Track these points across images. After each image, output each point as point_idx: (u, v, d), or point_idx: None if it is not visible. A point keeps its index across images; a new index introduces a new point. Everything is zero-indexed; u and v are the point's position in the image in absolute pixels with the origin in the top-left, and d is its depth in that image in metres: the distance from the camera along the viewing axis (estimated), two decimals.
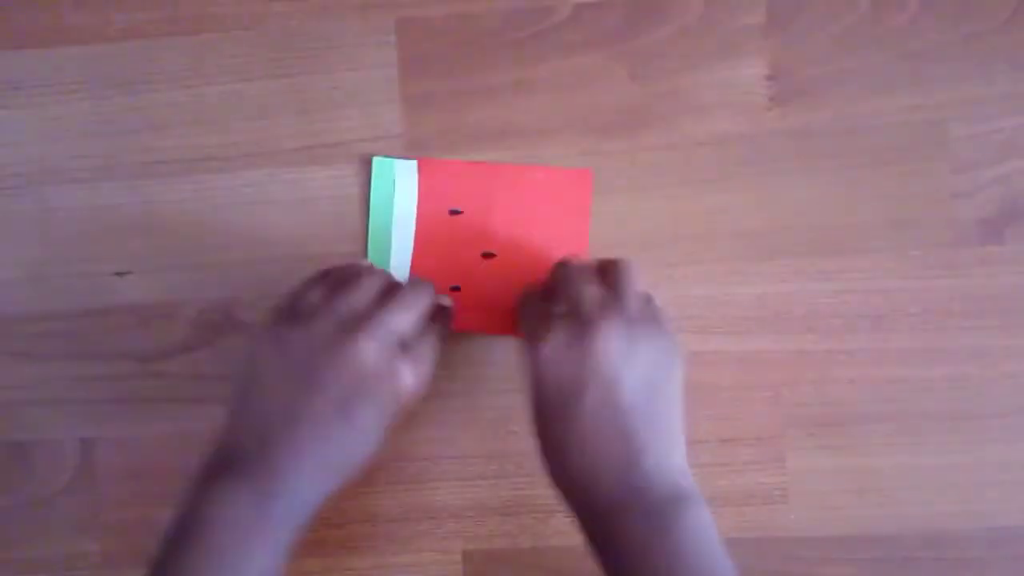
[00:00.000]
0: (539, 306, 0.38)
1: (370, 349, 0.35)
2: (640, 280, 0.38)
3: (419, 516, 0.44)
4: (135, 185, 0.45)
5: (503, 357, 0.44)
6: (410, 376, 0.36)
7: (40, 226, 0.45)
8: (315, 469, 0.35)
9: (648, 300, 0.38)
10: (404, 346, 0.37)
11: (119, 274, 0.45)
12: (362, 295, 0.37)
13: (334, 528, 0.45)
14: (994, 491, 0.43)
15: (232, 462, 0.35)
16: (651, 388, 0.35)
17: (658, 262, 0.44)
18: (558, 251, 0.43)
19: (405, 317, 0.37)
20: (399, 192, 0.43)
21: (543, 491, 0.44)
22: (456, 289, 0.43)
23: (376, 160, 0.43)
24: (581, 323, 0.35)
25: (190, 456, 0.45)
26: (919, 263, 0.43)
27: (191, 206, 0.45)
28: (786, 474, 0.44)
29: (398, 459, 0.45)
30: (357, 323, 0.36)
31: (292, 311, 0.37)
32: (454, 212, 0.44)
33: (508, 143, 0.44)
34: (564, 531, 0.44)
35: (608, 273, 0.38)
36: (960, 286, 0.43)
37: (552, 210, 0.43)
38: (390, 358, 0.36)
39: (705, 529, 0.34)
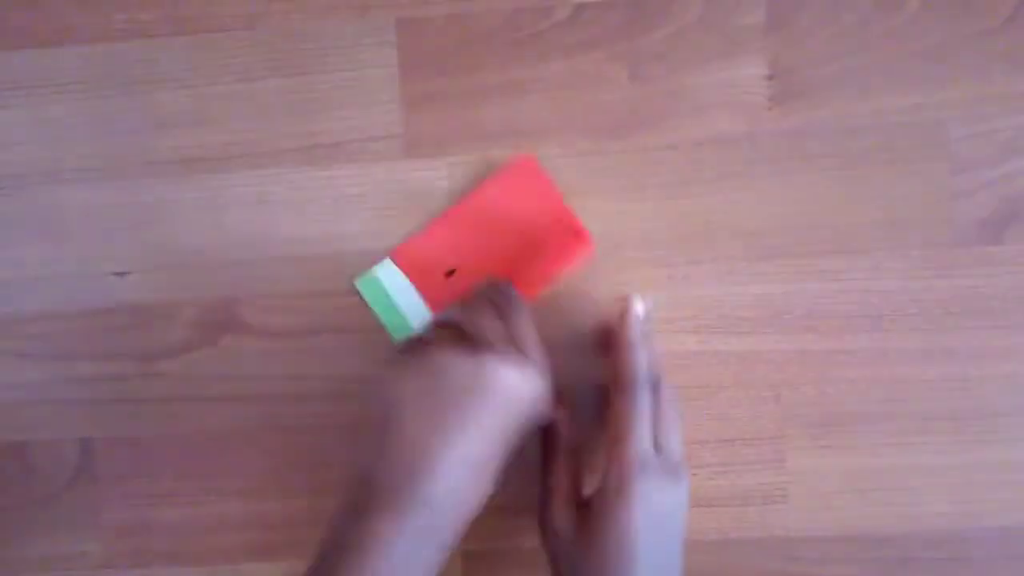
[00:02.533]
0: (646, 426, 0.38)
1: (496, 362, 0.35)
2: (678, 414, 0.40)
3: None
4: (135, 185, 0.45)
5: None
6: (535, 380, 0.37)
7: (40, 226, 0.45)
8: (465, 494, 0.36)
9: (671, 429, 0.39)
10: (519, 352, 0.37)
11: (119, 274, 0.45)
12: (479, 312, 0.38)
13: None
14: (994, 491, 0.43)
15: (383, 497, 0.35)
16: (664, 546, 0.37)
17: (658, 262, 0.44)
18: (552, 240, 0.43)
19: (519, 323, 0.38)
20: (394, 293, 0.44)
21: None
22: None
23: (360, 281, 0.44)
24: (673, 469, 0.37)
25: (190, 456, 0.45)
26: (919, 263, 0.43)
27: (191, 206, 0.45)
28: (786, 474, 0.44)
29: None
30: (480, 340, 0.36)
31: (418, 340, 0.38)
32: (450, 273, 0.44)
33: (508, 143, 0.44)
34: None
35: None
36: (960, 286, 0.43)
37: (524, 210, 0.43)
38: (514, 366, 0.36)
39: None
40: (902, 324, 0.43)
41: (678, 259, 0.44)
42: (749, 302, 0.44)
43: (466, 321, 0.37)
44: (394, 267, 0.44)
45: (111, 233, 0.45)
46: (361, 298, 0.44)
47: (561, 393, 0.40)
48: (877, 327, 0.43)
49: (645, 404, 0.38)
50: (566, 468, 0.40)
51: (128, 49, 0.45)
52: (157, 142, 0.45)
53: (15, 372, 0.45)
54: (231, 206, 0.45)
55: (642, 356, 0.39)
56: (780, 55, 0.43)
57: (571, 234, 0.43)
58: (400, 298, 0.44)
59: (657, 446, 0.37)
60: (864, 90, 0.43)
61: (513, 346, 0.37)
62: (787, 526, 0.44)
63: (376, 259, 0.44)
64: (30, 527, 0.45)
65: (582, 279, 0.44)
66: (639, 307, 0.40)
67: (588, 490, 0.38)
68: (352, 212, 0.44)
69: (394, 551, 0.34)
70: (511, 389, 0.36)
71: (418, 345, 0.37)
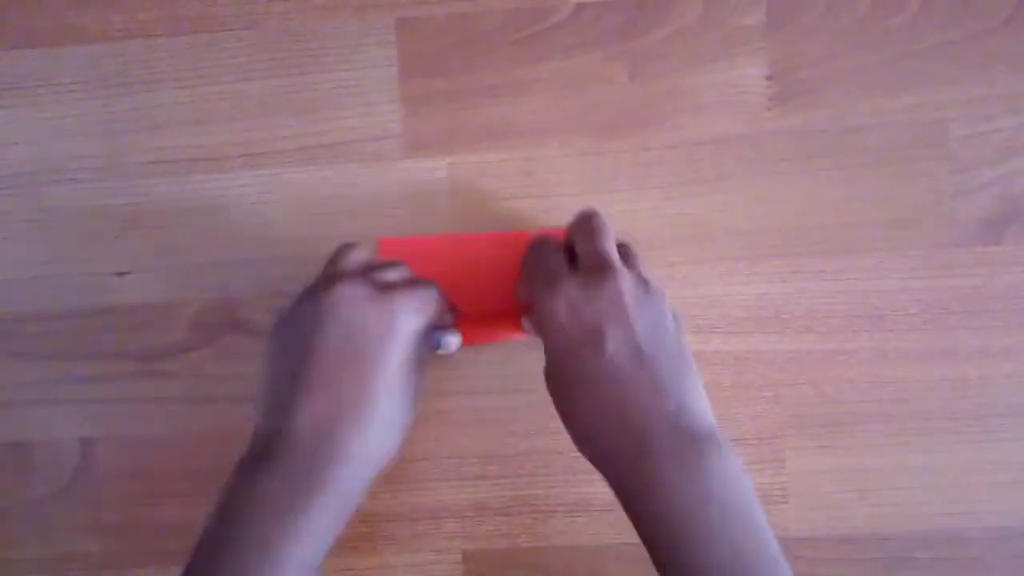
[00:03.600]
0: (548, 260, 0.38)
1: (358, 290, 0.35)
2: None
3: (419, 516, 0.44)
4: (135, 185, 0.45)
5: (504, 357, 0.44)
6: (410, 316, 0.36)
7: (40, 226, 0.45)
8: (366, 428, 0.35)
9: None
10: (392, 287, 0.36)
11: (119, 274, 0.45)
12: (357, 256, 0.38)
13: None
14: (994, 491, 0.43)
15: (276, 454, 0.34)
16: (666, 337, 0.35)
17: (658, 262, 0.44)
18: (513, 315, 0.43)
19: (398, 270, 0.38)
20: None
21: (543, 491, 0.44)
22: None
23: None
24: (595, 265, 0.36)
25: (190, 456, 0.45)
26: (919, 263, 0.43)
27: (191, 206, 0.45)
28: (786, 474, 0.44)
29: (398, 459, 0.44)
30: (347, 274, 0.36)
31: (311, 290, 0.37)
32: None
33: (508, 143, 0.44)
34: (564, 531, 0.44)
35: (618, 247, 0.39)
36: (960, 286, 0.43)
37: (513, 272, 0.43)
38: (383, 301, 0.35)
39: (734, 468, 0.34)
40: (902, 324, 0.43)
41: (678, 259, 0.44)
42: (749, 302, 0.44)
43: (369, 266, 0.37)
44: (373, 252, 0.43)
45: (111, 233, 0.45)
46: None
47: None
48: (877, 327, 0.43)
49: (539, 243, 0.39)
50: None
51: (128, 49, 0.45)
52: (157, 142, 0.45)
53: (15, 372, 0.45)
54: (231, 206, 0.45)
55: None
56: (780, 55, 0.43)
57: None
58: None
59: (626, 251, 0.38)
60: (864, 90, 0.43)
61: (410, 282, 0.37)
62: (787, 526, 0.44)
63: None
64: (30, 527, 0.45)
65: None
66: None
67: None
68: (352, 212, 0.44)
69: (307, 516, 0.33)
70: (417, 327, 0.36)
71: (326, 284, 0.36)
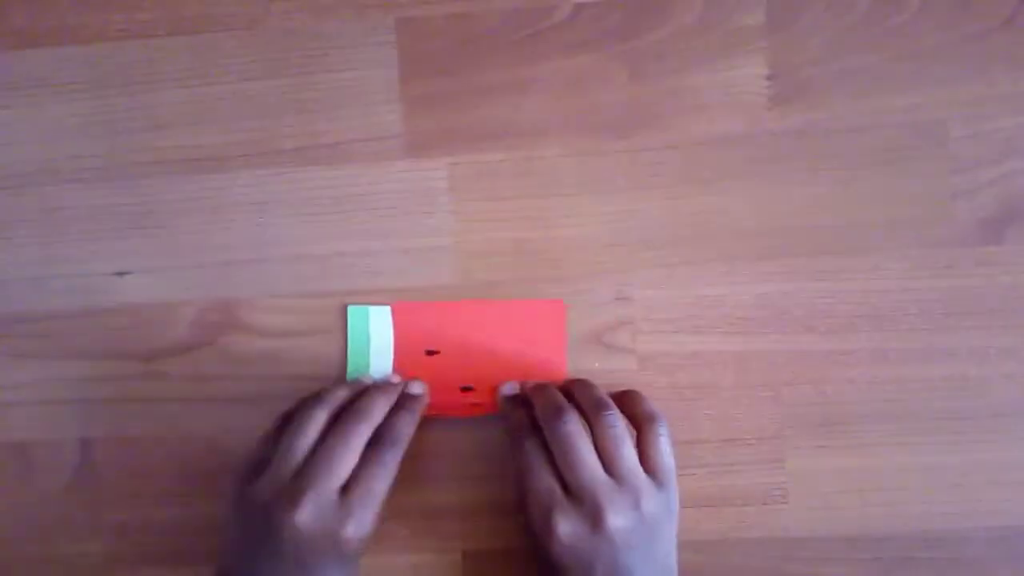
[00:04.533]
0: (543, 478, 0.39)
1: (305, 518, 0.36)
2: (648, 405, 0.40)
3: (419, 516, 0.44)
4: (135, 185, 0.45)
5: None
6: (352, 529, 0.37)
7: (40, 226, 0.45)
8: None
9: (655, 437, 0.39)
10: (345, 494, 0.37)
11: (119, 274, 0.45)
12: (303, 443, 0.38)
13: None
14: (994, 491, 0.43)
15: None
16: (652, 554, 0.38)
17: (658, 262, 0.44)
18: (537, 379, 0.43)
19: (345, 460, 0.38)
20: (374, 338, 0.44)
21: None
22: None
23: (351, 309, 0.44)
24: (590, 509, 0.37)
25: (190, 456, 0.45)
26: (919, 263, 0.43)
27: (191, 206, 0.45)
28: (786, 474, 0.44)
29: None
30: (293, 491, 0.37)
31: (249, 466, 0.39)
32: (431, 352, 0.44)
33: (508, 143, 0.44)
34: None
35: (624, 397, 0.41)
36: (960, 286, 0.43)
37: (528, 341, 0.43)
38: (327, 519, 0.37)
39: None
40: (902, 324, 0.43)
41: (678, 259, 0.44)
42: (749, 302, 0.44)
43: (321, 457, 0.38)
44: (388, 317, 0.44)
45: (111, 233, 0.45)
46: (345, 321, 0.44)
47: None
48: (877, 327, 0.43)
49: (527, 449, 0.39)
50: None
51: (128, 49, 0.45)
52: (157, 142, 0.45)
53: (15, 372, 0.45)
54: (231, 206, 0.45)
55: (514, 409, 0.41)
56: (780, 55, 0.43)
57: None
58: (376, 345, 0.44)
59: (609, 472, 0.38)
60: (864, 90, 0.43)
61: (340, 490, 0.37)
62: (787, 526, 0.44)
63: (374, 261, 0.44)
64: (30, 527, 0.45)
65: (583, 280, 0.44)
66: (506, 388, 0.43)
67: None
68: (352, 212, 0.44)
69: None
70: (322, 538, 0.37)
71: (289, 500, 0.37)
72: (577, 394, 0.40)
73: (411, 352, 0.43)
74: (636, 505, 0.37)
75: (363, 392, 0.41)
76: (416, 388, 0.43)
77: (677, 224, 0.44)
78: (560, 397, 0.40)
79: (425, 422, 0.43)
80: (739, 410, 0.44)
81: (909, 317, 0.43)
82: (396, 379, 0.43)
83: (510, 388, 0.43)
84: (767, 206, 0.44)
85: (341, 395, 0.40)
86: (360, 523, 0.37)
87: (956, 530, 0.43)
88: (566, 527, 0.37)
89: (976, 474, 0.43)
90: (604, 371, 0.44)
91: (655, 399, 0.43)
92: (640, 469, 0.38)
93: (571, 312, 0.44)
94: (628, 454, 0.38)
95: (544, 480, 0.38)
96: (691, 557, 0.43)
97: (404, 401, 0.41)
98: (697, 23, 0.43)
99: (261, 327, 0.44)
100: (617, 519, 0.37)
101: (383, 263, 0.44)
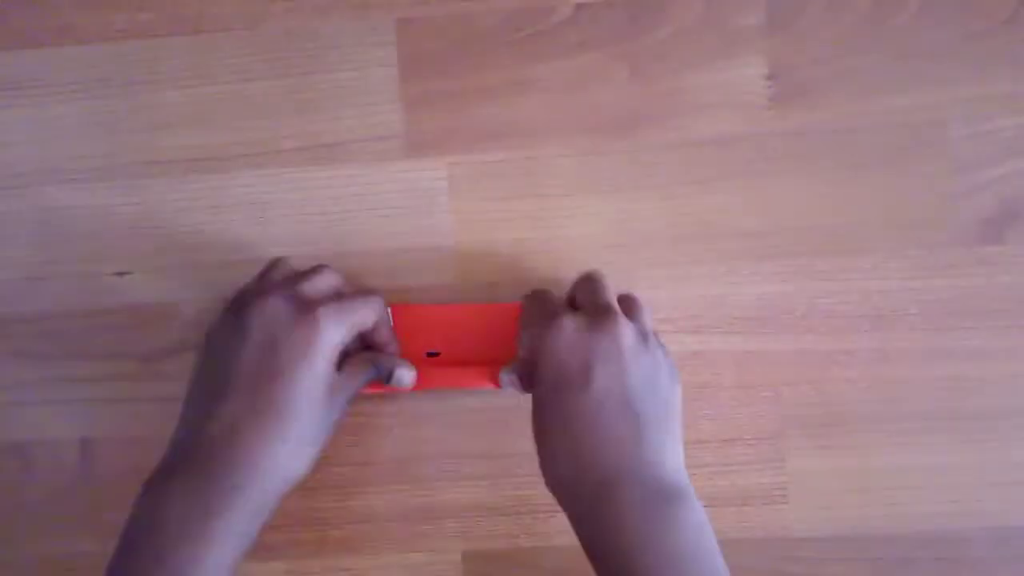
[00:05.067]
0: (549, 302, 0.39)
1: (272, 302, 0.36)
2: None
3: (419, 516, 0.44)
4: (135, 185, 0.45)
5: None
6: (331, 327, 0.36)
7: (40, 226, 0.45)
8: (276, 441, 0.35)
9: (655, 334, 0.39)
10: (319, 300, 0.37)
11: (119, 274, 0.45)
12: (278, 273, 0.39)
13: (334, 528, 0.45)
14: (994, 491, 0.43)
15: (188, 460, 0.35)
16: (656, 389, 0.36)
17: (658, 262, 0.44)
18: None
19: (326, 280, 0.38)
20: None
21: (543, 491, 0.44)
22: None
23: None
24: (597, 311, 0.36)
25: None
26: (919, 263, 0.43)
27: (191, 206, 0.45)
28: (786, 474, 0.44)
29: (398, 459, 0.45)
30: (262, 288, 0.37)
31: (236, 300, 0.38)
32: (431, 355, 0.43)
33: (508, 143, 0.44)
34: (564, 531, 0.44)
35: (622, 299, 0.39)
36: (960, 286, 0.43)
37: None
38: (304, 317, 0.36)
39: (702, 526, 0.34)
40: (902, 324, 0.43)
41: (678, 259, 0.44)
42: (749, 302, 0.44)
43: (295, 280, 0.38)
44: (388, 318, 0.43)
45: (111, 233, 0.45)
46: None
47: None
48: (877, 327, 0.43)
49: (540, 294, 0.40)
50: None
51: (128, 49, 0.45)
52: (157, 142, 0.45)
53: (15, 372, 0.45)
54: (231, 206, 0.45)
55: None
56: (780, 55, 0.43)
57: None
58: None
59: (632, 304, 0.38)
60: (864, 90, 0.43)
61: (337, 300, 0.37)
62: (787, 526, 0.44)
63: (374, 261, 0.44)
64: (30, 527, 0.45)
65: None
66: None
67: None
68: (352, 212, 0.44)
69: (218, 522, 0.33)
70: (339, 340, 0.36)
71: (250, 298, 0.37)
72: (578, 288, 0.40)
73: (411, 353, 0.43)
74: (644, 333, 0.37)
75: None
76: (405, 377, 0.41)
77: (677, 224, 0.44)
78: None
79: (425, 420, 0.43)
80: (739, 410, 0.44)
81: (909, 317, 0.43)
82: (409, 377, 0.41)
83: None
84: (767, 206, 0.44)
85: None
86: (337, 327, 0.36)
87: (956, 530, 0.43)
88: (571, 322, 0.36)
89: (976, 474, 0.43)
90: None
91: None
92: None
93: None
94: (647, 319, 0.38)
95: (554, 301, 0.39)
96: None
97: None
98: (697, 23, 0.43)
99: None
100: (624, 326, 0.36)
101: (383, 263, 0.44)
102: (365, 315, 0.39)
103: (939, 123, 0.43)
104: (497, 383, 0.40)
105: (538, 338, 0.37)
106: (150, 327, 0.45)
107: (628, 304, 0.39)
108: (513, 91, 0.44)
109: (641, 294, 0.43)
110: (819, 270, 0.43)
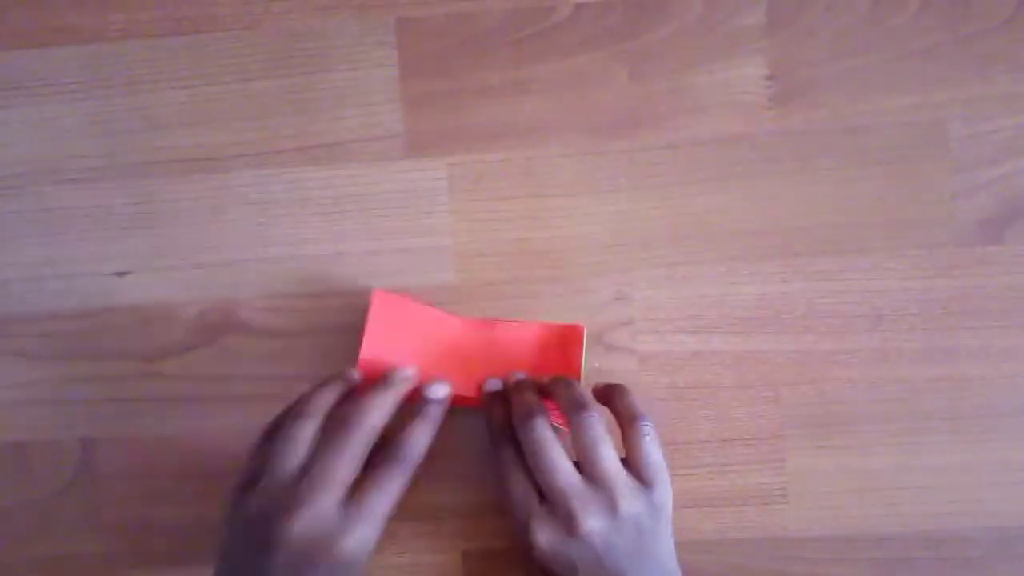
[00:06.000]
0: (520, 478, 0.39)
1: (300, 529, 0.35)
2: (635, 402, 0.40)
3: (419, 516, 0.44)
4: (135, 185, 0.45)
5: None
6: (351, 543, 0.35)
7: (40, 226, 0.45)
8: None
9: (637, 437, 0.39)
10: (348, 506, 0.36)
11: (119, 274, 0.45)
12: (293, 460, 0.37)
13: None
14: (994, 491, 0.43)
15: None
16: (639, 550, 0.37)
17: (658, 262, 0.44)
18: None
19: (341, 472, 0.36)
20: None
21: None
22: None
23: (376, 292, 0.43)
24: (565, 515, 0.37)
25: (190, 456, 0.45)
26: (919, 263, 0.43)
27: (191, 206, 0.45)
28: (786, 474, 0.44)
29: None
30: (288, 502, 0.35)
31: (241, 479, 0.38)
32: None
33: (508, 143, 0.44)
34: None
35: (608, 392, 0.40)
36: (960, 286, 0.43)
37: (544, 365, 0.43)
38: (325, 531, 0.35)
39: None
40: (902, 324, 0.43)
41: (678, 259, 0.44)
42: (749, 302, 0.44)
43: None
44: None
45: (111, 233, 0.45)
46: (345, 319, 0.44)
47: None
48: (877, 327, 0.43)
49: (505, 451, 0.39)
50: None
51: (128, 49, 0.45)
52: (157, 142, 0.45)
53: (15, 372, 0.45)
54: (231, 206, 0.45)
55: (494, 409, 0.41)
56: (780, 55, 0.43)
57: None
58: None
59: (587, 475, 0.38)
60: (864, 90, 0.43)
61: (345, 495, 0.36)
62: (787, 526, 0.44)
63: (374, 261, 0.44)
64: (30, 527, 0.45)
65: (583, 280, 0.44)
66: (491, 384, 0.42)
67: None
68: (352, 212, 0.44)
69: None
70: (365, 544, 0.36)
71: (290, 503, 0.36)
72: (556, 394, 0.40)
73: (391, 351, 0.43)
74: (613, 507, 0.37)
75: (360, 390, 0.39)
76: (439, 391, 0.41)
77: (677, 224, 0.44)
78: (533, 399, 0.39)
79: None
80: (739, 410, 0.44)
81: (909, 317, 0.43)
82: (410, 372, 0.41)
83: (493, 384, 0.42)
84: (767, 206, 0.44)
85: (329, 398, 0.39)
86: (361, 539, 0.36)
87: (956, 530, 0.43)
88: (543, 535, 0.37)
89: (976, 474, 0.43)
90: (604, 371, 0.44)
91: (655, 399, 0.43)
92: (621, 470, 0.38)
93: (571, 313, 0.44)
94: (607, 455, 0.38)
95: (519, 486, 0.38)
96: (691, 557, 0.42)
97: (425, 408, 0.40)
98: (697, 23, 0.43)
99: (261, 327, 0.44)
100: (591, 522, 0.36)
101: (383, 263, 0.44)
102: (346, 468, 0.37)
103: (939, 123, 0.43)
104: (479, 397, 0.42)
105: (519, 532, 0.38)
106: (150, 327, 0.45)
107: (612, 395, 0.40)
108: (513, 91, 0.44)
109: (641, 294, 0.44)
110: (819, 270, 0.43)
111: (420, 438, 0.39)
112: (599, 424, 0.38)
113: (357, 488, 0.36)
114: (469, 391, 0.42)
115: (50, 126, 0.45)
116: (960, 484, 0.43)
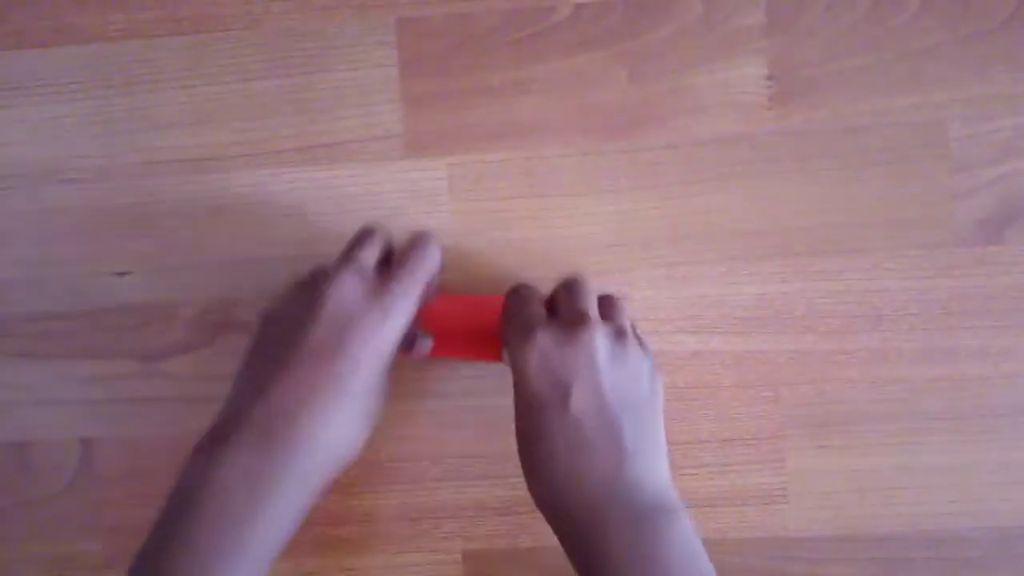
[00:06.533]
0: (527, 309, 0.38)
1: (348, 282, 0.35)
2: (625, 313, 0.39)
3: (419, 516, 0.44)
4: (135, 185, 0.45)
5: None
6: (400, 313, 0.35)
7: (40, 226, 0.45)
8: (336, 418, 0.34)
9: (633, 327, 0.38)
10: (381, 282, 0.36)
11: (119, 274, 0.45)
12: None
13: (334, 528, 0.45)
14: (994, 491, 0.43)
15: (239, 426, 0.34)
16: (636, 400, 0.36)
17: (658, 262, 0.44)
18: None
19: (373, 253, 0.37)
20: None
21: None
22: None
23: None
24: (572, 320, 0.36)
25: None
26: (919, 263, 0.43)
27: (191, 206, 0.45)
28: (786, 474, 0.44)
29: (398, 459, 0.45)
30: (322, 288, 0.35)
31: (312, 275, 0.37)
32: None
33: (508, 143, 0.44)
34: None
35: (601, 299, 0.39)
36: (960, 286, 0.43)
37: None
38: (367, 291, 0.35)
39: (691, 542, 0.34)
40: (902, 324, 0.43)
41: (678, 259, 0.44)
42: (749, 302, 0.44)
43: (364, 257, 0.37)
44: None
45: (111, 233, 0.45)
46: None
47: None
48: (877, 327, 0.43)
49: (521, 291, 0.38)
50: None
51: (128, 49, 0.45)
52: (157, 142, 0.45)
53: (15, 372, 0.45)
54: (231, 206, 0.45)
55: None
56: (780, 55, 0.43)
57: None
58: None
59: (609, 305, 0.38)
60: (864, 90, 0.43)
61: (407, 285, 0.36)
62: (787, 526, 0.44)
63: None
64: (30, 527, 0.45)
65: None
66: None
67: None
68: (352, 212, 0.44)
69: (268, 500, 0.33)
70: (403, 329, 0.36)
71: (326, 275, 0.36)
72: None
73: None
74: (621, 336, 0.36)
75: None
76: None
77: (677, 224, 0.44)
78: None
79: (425, 420, 0.43)
80: (739, 410, 0.44)
81: (909, 317, 0.43)
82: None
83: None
84: (767, 206, 0.44)
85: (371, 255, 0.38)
86: (405, 316, 0.36)
87: (956, 530, 0.43)
88: (545, 338, 0.35)
89: (976, 474, 0.43)
90: None
91: None
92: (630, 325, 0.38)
93: None
94: (624, 317, 0.38)
95: (532, 307, 0.37)
96: None
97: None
98: (697, 23, 0.43)
99: None
100: (598, 333, 0.35)
101: None
102: (428, 288, 0.37)
103: (939, 123, 0.43)
104: (500, 357, 0.41)
105: (513, 351, 0.36)
106: (150, 327, 0.45)
107: (605, 305, 0.39)
108: (513, 91, 0.44)
109: (641, 294, 0.44)
110: (819, 270, 0.43)
111: (432, 251, 0.38)
112: (623, 307, 0.39)
113: (382, 280, 0.36)
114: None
115: (50, 126, 0.45)
116: (960, 484, 0.43)
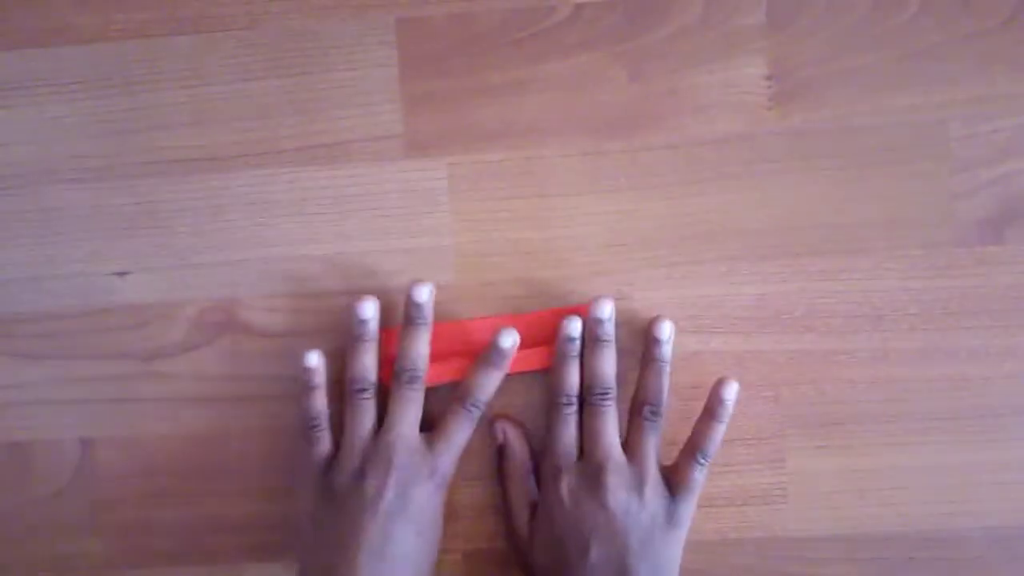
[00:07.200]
0: (571, 431, 0.41)
1: (399, 476, 0.39)
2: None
3: None
4: (135, 185, 0.45)
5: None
6: (438, 478, 0.41)
7: (40, 226, 0.45)
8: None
9: (694, 464, 0.41)
10: (429, 443, 0.41)
11: (119, 274, 0.45)
12: (364, 430, 0.41)
13: None
14: (994, 491, 0.43)
15: None
16: (654, 549, 0.38)
17: (658, 262, 0.44)
18: None
19: (411, 415, 0.41)
20: None
21: None
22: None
23: None
24: (591, 468, 0.39)
25: (190, 456, 0.45)
26: (919, 263, 0.43)
27: (191, 206, 0.45)
28: (786, 474, 0.44)
29: None
30: (378, 459, 0.40)
31: (315, 464, 0.41)
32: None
33: (508, 143, 0.44)
34: None
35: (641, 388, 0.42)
36: (960, 286, 0.43)
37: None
38: (416, 469, 0.40)
39: None
40: (902, 324, 0.43)
41: (678, 259, 0.44)
42: (749, 302, 0.44)
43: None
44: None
45: (111, 233, 0.45)
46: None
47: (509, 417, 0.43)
48: (877, 327, 0.43)
49: (562, 415, 0.41)
50: (520, 478, 0.42)
51: (128, 49, 0.45)
52: (157, 142, 0.45)
53: (15, 372, 0.45)
54: (231, 206, 0.45)
55: (567, 370, 0.41)
56: (780, 55, 0.43)
57: None
58: None
59: (628, 454, 0.40)
60: (864, 90, 0.43)
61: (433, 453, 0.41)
62: (787, 526, 0.44)
63: (374, 261, 0.44)
64: (30, 527, 0.45)
65: (583, 280, 0.44)
66: (572, 327, 0.41)
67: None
68: (352, 212, 0.44)
69: None
70: (444, 488, 0.41)
71: (379, 462, 0.40)
72: (645, 379, 0.41)
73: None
74: (640, 485, 0.38)
75: (404, 338, 0.41)
76: (506, 341, 0.41)
77: (677, 224, 0.44)
78: (610, 377, 0.41)
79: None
80: (739, 410, 0.44)
81: (909, 317, 0.43)
82: (427, 293, 0.41)
83: (573, 328, 0.41)
84: (767, 206, 0.44)
85: (368, 364, 0.41)
86: (443, 472, 0.41)
87: (956, 530, 0.43)
88: (570, 481, 0.39)
89: (976, 474, 0.43)
90: None
91: None
92: (658, 471, 0.40)
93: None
94: (651, 454, 0.40)
95: (568, 436, 0.40)
96: (691, 557, 0.42)
97: (492, 357, 0.41)
98: (697, 23, 0.43)
99: (261, 327, 0.45)
100: (617, 484, 0.38)
101: (383, 263, 0.44)
102: (473, 427, 0.42)
103: (939, 123, 0.43)
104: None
105: (544, 487, 0.40)
106: (150, 327, 0.45)
107: (633, 438, 0.41)
108: (513, 91, 0.44)
109: (641, 294, 0.44)
110: (819, 270, 0.43)
111: (491, 380, 0.41)
112: (657, 434, 0.41)
113: (439, 428, 0.41)
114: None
115: (50, 126, 0.45)
116: (960, 484, 0.43)
